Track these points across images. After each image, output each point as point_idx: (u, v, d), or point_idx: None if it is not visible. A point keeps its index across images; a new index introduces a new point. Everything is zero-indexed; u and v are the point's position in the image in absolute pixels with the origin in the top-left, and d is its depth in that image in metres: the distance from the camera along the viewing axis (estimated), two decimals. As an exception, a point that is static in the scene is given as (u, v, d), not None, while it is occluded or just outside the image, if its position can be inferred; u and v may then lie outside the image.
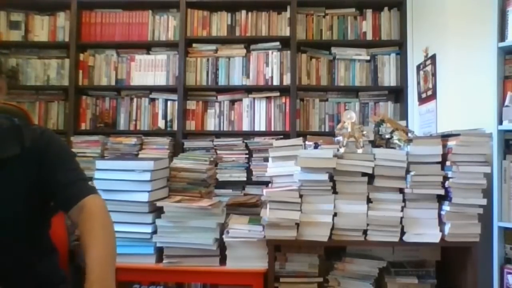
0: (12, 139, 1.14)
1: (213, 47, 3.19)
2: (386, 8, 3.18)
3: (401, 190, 1.75)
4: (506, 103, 1.67)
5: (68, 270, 1.37)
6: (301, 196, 1.75)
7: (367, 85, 3.18)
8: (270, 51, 3.16)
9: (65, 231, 1.41)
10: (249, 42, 3.19)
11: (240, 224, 1.81)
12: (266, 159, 2.49)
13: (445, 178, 1.71)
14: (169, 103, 3.20)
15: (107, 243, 1.06)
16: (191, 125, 3.19)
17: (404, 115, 3.02)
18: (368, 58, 3.17)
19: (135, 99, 3.22)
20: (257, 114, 3.16)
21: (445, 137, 1.80)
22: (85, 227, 1.07)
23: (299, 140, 1.99)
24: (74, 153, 1.31)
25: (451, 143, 1.72)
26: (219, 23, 3.22)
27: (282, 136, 3.02)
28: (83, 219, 1.08)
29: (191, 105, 3.21)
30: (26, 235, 1.15)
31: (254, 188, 2.98)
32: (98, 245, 1.03)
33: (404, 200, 1.74)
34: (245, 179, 3.04)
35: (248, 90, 3.19)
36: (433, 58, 2.57)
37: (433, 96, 2.56)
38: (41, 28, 3.26)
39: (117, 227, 1.76)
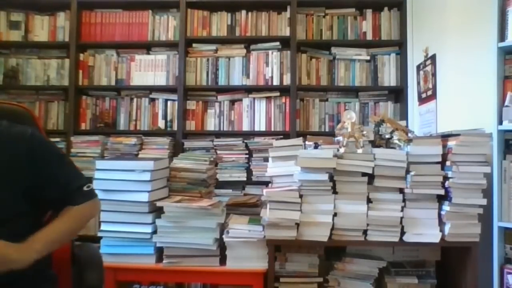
0: None
1: (213, 47, 3.19)
2: (386, 8, 3.17)
3: (401, 190, 1.75)
4: (506, 103, 1.67)
5: (69, 271, 1.36)
6: (301, 196, 1.75)
7: (367, 85, 3.17)
8: (270, 51, 3.15)
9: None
10: (249, 42, 3.19)
11: (240, 224, 1.81)
12: (266, 159, 2.49)
13: (445, 178, 1.71)
14: (169, 103, 3.19)
15: (70, 226, 1.23)
16: (191, 125, 3.19)
17: (404, 115, 3.02)
18: (368, 58, 3.17)
19: (135, 99, 3.22)
20: (257, 114, 3.16)
21: (445, 137, 1.80)
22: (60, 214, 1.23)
23: (299, 140, 1.99)
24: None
25: (451, 143, 1.72)
26: (219, 23, 3.22)
27: (282, 136, 3.01)
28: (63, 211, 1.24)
29: (191, 105, 3.20)
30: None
31: (254, 188, 2.97)
32: (60, 222, 1.20)
33: (404, 200, 1.74)
34: (245, 179, 3.03)
35: (248, 90, 3.18)
36: (433, 58, 2.57)
37: (433, 96, 2.56)
38: (41, 28, 3.25)
39: (117, 227, 1.81)
